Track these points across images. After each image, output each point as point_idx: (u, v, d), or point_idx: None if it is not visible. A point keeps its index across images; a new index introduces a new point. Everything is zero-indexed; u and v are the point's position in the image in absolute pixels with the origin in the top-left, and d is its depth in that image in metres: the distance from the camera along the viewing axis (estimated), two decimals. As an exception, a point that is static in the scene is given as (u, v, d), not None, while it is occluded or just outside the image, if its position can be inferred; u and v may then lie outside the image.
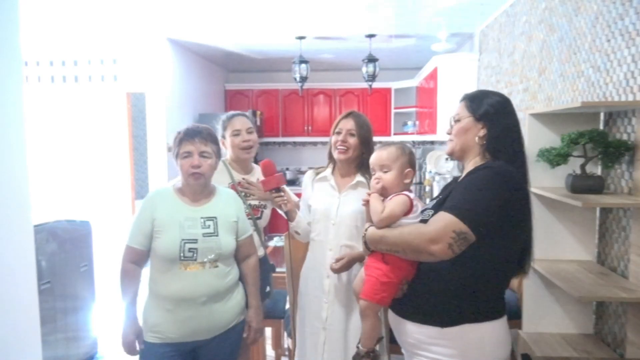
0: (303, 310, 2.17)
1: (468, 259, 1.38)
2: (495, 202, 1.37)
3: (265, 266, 2.44)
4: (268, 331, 3.26)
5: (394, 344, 2.57)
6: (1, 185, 2.04)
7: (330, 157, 2.15)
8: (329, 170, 2.15)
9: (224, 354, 2.01)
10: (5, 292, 2.02)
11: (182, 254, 1.85)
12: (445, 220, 1.35)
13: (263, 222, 2.41)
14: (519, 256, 1.50)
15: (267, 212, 2.41)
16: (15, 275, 2.07)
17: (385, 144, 1.71)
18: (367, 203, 1.60)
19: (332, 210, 2.06)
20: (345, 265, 1.98)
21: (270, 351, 3.32)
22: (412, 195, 1.58)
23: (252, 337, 2.09)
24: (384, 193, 1.59)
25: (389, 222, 1.50)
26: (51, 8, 3.77)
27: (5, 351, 1.99)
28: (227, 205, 2.02)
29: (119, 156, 5.44)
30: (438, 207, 1.48)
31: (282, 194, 2.11)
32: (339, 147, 2.05)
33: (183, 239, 1.86)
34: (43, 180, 5.46)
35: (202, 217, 1.93)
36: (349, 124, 2.06)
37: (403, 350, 1.64)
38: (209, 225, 1.92)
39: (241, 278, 2.09)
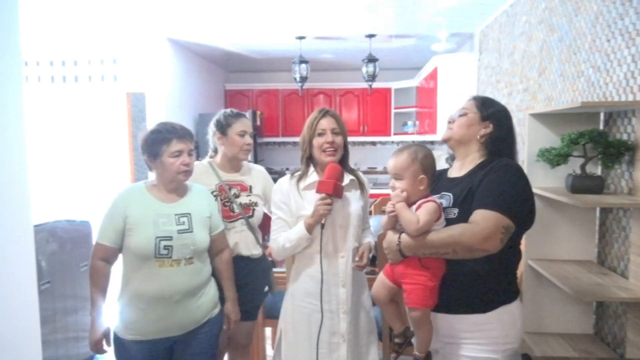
0: (308, 331, 1.93)
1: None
2: (525, 195, 1.54)
3: (264, 265, 2.43)
4: (268, 331, 3.27)
5: (393, 343, 2.59)
6: (1, 185, 2.04)
7: (309, 161, 1.99)
8: (314, 175, 1.97)
9: (200, 348, 2.00)
10: (5, 292, 2.02)
11: (157, 252, 1.84)
12: (494, 218, 1.45)
13: (256, 220, 2.37)
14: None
15: (258, 210, 2.38)
16: (15, 275, 2.07)
17: (402, 147, 1.66)
18: (392, 213, 1.59)
19: (336, 215, 1.92)
20: (367, 257, 1.94)
21: (270, 351, 3.32)
22: (438, 200, 1.59)
23: (232, 328, 2.13)
24: (407, 200, 1.59)
25: (424, 232, 1.51)
26: (51, 8, 3.77)
27: (5, 351, 1.99)
28: (199, 201, 2.03)
29: (119, 156, 5.44)
30: (461, 204, 1.55)
31: (331, 205, 1.84)
32: (327, 150, 1.92)
33: (158, 237, 1.85)
34: (43, 180, 5.46)
35: (176, 214, 1.92)
36: (331, 123, 1.94)
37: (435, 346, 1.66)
38: (184, 222, 1.92)
39: (215, 273, 2.09)
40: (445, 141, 1.70)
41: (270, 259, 2.51)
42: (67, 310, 3.10)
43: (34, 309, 2.19)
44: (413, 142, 6.72)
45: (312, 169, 1.99)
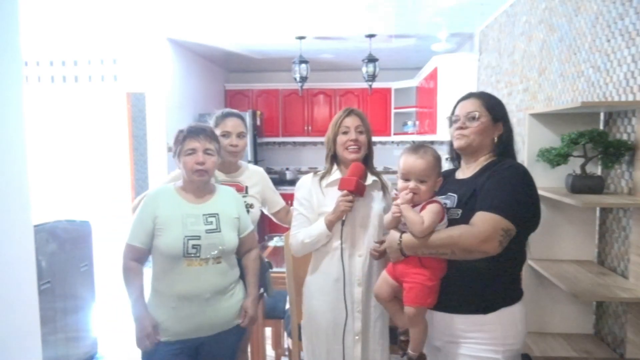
0: (325, 328, 1.98)
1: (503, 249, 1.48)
2: (529, 198, 1.52)
3: (260, 266, 2.40)
4: (268, 331, 3.27)
5: (400, 340, 2.58)
6: (1, 185, 2.04)
7: (333, 159, 2.02)
8: (337, 173, 2.00)
9: (225, 351, 2.03)
10: (5, 292, 2.02)
11: (185, 251, 1.86)
12: (493, 220, 1.45)
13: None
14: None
15: (254, 212, 2.36)
16: (15, 275, 2.07)
17: (417, 147, 1.63)
18: (398, 213, 1.58)
19: (356, 214, 1.93)
20: (384, 252, 1.80)
21: (270, 351, 3.32)
22: (442, 201, 1.59)
23: (246, 323, 2.08)
24: (414, 201, 1.58)
25: (429, 233, 1.52)
26: (51, 8, 3.77)
27: (6, 351, 1.99)
28: (227, 202, 2.04)
29: (119, 156, 5.45)
30: (465, 205, 1.55)
31: (352, 203, 1.87)
32: (350, 147, 1.94)
33: (186, 236, 1.87)
34: (43, 180, 5.46)
35: (204, 214, 1.94)
36: (355, 121, 1.97)
37: (427, 346, 1.66)
38: (212, 222, 1.93)
39: (242, 274, 2.09)
40: (463, 149, 1.66)
41: (266, 260, 2.50)
42: (67, 310, 3.10)
43: (34, 309, 2.18)
44: (414, 141, 6.73)
45: (335, 167, 2.02)
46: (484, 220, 1.45)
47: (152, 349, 1.90)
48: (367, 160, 2.02)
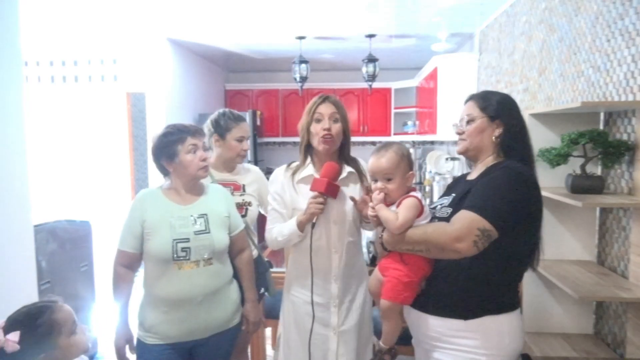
0: (299, 320, 1.96)
1: (488, 254, 1.41)
2: (516, 200, 1.42)
3: (260, 266, 2.38)
4: (268, 331, 3.27)
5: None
6: (1, 185, 2.04)
7: (306, 152, 1.93)
8: (310, 167, 1.92)
9: (220, 353, 2.01)
10: (6, 292, 2.02)
11: (175, 254, 1.83)
12: (469, 218, 1.39)
13: (249, 220, 2.34)
14: (531, 251, 1.55)
15: (252, 209, 2.36)
16: (15, 275, 2.07)
17: (380, 146, 1.64)
18: (374, 215, 1.56)
19: (330, 211, 1.87)
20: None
21: (270, 351, 3.32)
22: (419, 195, 1.58)
23: (252, 330, 2.11)
24: (388, 200, 1.58)
25: (406, 228, 1.49)
26: (51, 8, 3.78)
27: (6, 351, 1.99)
28: (217, 202, 2.00)
29: (119, 156, 5.44)
30: (456, 204, 1.51)
31: (323, 205, 1.80)
32: (324, 137, 1.84)
33: (175, 239, 1.84)
34: (43, 180, 5.46)
35: (192, 215, 1.91)
36: (329, 109, 1.85)
37: (417, 347, 1.66)
38: (201, 223, 1.90)
39: (235, 274, 2.08)
40: (463, 154, 1.64)
41: (267, 259, 2.49)
42: (67, 310, 3.11)
43: (34, 309, 2.18)
44: (413, 142, 6.73)
45: (309, 160, 1.93)
46: (461, 219, 1.40)
47: (144, 350, 1.91)
48: (343, 150, 1.94)
